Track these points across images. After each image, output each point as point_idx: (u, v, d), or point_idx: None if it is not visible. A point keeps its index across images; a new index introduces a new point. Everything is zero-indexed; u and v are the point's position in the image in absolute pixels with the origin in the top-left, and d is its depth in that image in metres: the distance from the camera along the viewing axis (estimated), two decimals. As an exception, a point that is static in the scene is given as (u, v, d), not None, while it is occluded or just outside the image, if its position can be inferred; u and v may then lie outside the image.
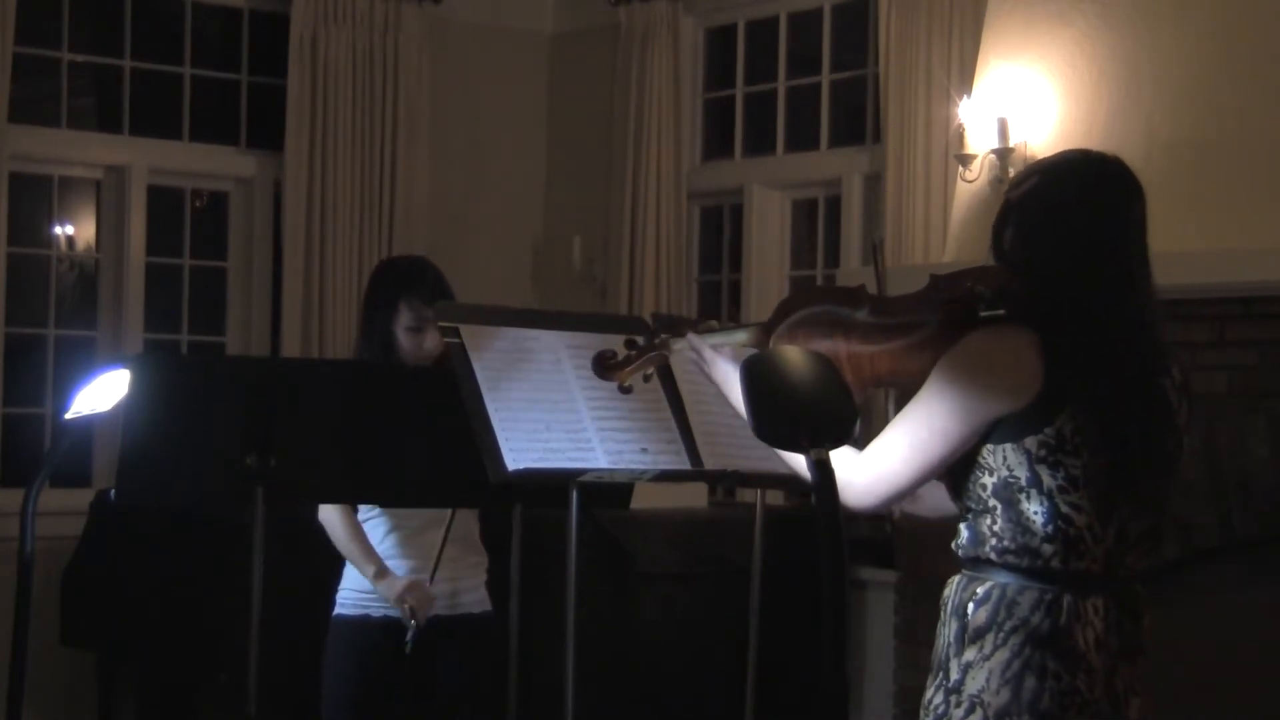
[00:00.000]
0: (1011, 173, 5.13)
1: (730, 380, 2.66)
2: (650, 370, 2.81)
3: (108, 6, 6.65)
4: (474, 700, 3.84)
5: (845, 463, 2.45)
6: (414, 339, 3.71)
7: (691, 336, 2.72)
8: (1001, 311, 2.46)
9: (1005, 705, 2.41)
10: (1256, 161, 4.86)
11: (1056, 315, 2.44)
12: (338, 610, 3.81)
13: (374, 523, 3.80)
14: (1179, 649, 4.39)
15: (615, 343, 3.06)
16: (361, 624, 3.76)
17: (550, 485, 3.07)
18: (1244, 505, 4.77)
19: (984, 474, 2.47)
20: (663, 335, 2.78)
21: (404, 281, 3.77)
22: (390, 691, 3.75)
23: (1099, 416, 2.41)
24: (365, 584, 3.76)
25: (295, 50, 6.60)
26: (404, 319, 3.71)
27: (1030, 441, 2.41)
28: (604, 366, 2.78)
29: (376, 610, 3.75)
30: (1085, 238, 2.48)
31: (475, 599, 3.87)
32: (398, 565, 3.77)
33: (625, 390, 2.81)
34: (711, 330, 2.74)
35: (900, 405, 2.61)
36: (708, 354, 2.71)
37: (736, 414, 2.60)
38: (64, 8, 6.50)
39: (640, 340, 2.79)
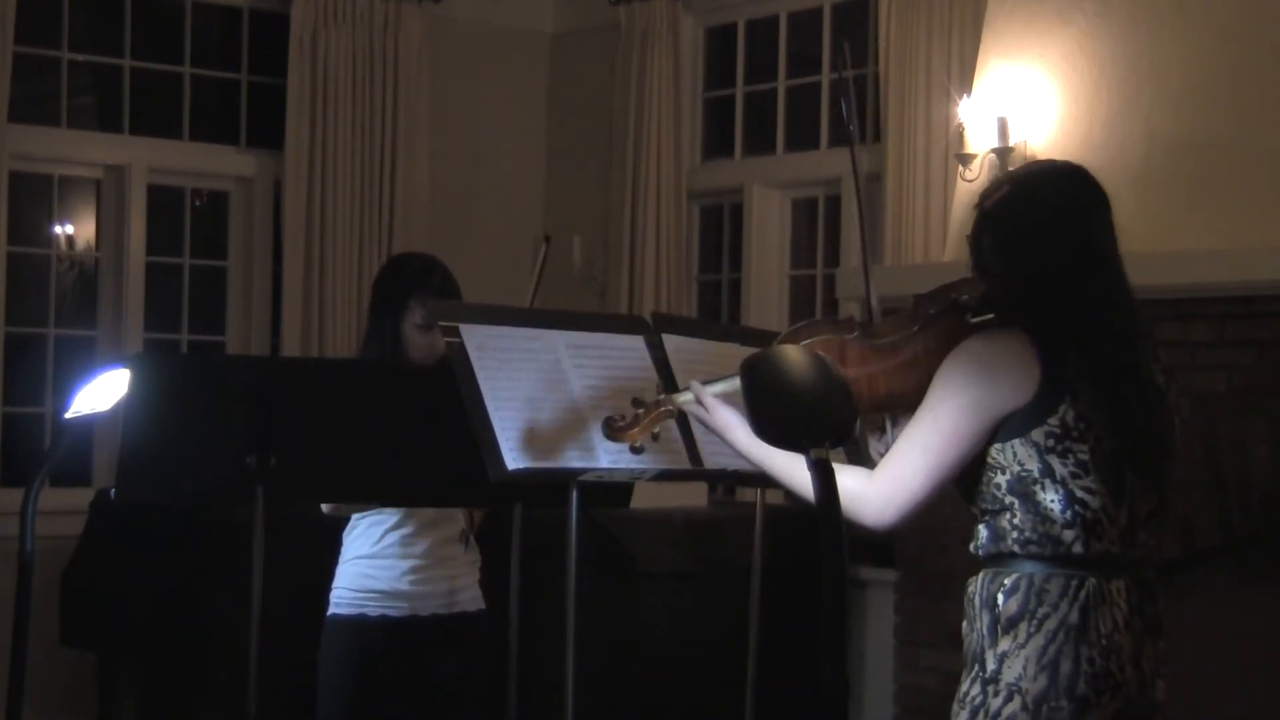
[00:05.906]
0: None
1: (731, 426, 2.69)
2: (658, 429, 2.81)
3: (108, 6, 6.65)
4: (471, 699, 3.84)
5: (859, 481, 2.53)
6: (425, 336, 3.67)
7: (695, 385, 2.75)
8: (990, 315, 2.57)
9: (1043, 691, 2.49)
10: (1256, 161, 4.85)
11: (1041, 315, 2.54)
12: (332, 610, 3.77)
13: (373, 519, 3.78)
14: (1179, 648, 4.38)
15: (615, 341, 3.07)
16: (358, 623, 3.73)
17: (550, 485, 3.07)
18: (1244, 505, 4.77)
19: (996, 473, 2.54)
20: (663, 394, 2.82)
21: (415, 279, 3.75)
22: (387, 691, 3.74)
23: (1099, 401, 2.51)
24: (360, 583, 3.73)
25: (295, 50, 6.61)
26: (415, 316, 3.69)
27: (1037, 434, 2.50)
28: (613, 430, 2.77)
29: (373, 609, 3.72)
30: (1063, 242, 2.59)
31: (470, 597, 3.85)
32: (397, 564, 3.75)
33: (637, 451, 2.81)
34: (712, 379, 2.75)
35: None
36: (709, 401, 2.73)
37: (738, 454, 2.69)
38: (64, 7, 6.50)
39: (645, 399, 2.80)
